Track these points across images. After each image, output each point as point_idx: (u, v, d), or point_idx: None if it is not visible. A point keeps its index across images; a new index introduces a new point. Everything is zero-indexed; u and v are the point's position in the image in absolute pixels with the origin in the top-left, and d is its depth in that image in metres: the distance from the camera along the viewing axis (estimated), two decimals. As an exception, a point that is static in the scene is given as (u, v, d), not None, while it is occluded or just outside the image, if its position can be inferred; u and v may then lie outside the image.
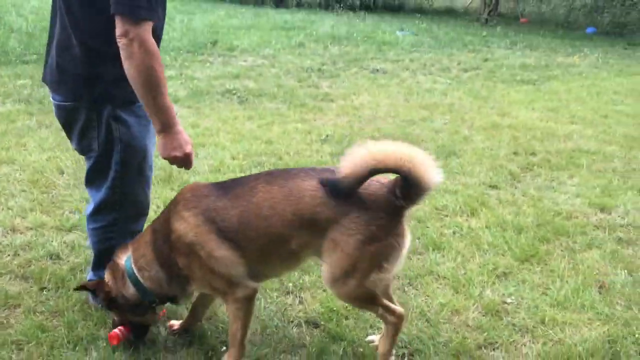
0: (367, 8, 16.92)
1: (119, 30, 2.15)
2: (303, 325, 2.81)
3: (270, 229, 2.25)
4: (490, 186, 4.60)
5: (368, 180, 2.20)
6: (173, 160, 2.41)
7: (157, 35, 2.49)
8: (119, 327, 2.55)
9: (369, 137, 5.68)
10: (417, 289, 3.14)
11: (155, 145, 2.58)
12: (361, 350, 2.62)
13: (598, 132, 6.30)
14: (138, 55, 2.15)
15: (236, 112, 6.33)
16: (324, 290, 3.08)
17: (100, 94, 2.42)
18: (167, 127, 2.31)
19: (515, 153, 5.46)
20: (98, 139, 2.51)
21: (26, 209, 3.70)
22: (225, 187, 2.36)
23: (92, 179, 2.63)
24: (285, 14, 14.80)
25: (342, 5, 16.27)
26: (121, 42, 2.16)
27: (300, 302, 2.99)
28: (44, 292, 2.93)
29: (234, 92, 7.16)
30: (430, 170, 2.16)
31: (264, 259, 2.37)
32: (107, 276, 2.50)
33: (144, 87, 2.22)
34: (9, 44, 8.47)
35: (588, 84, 8.93)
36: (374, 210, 2.22)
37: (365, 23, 14.29)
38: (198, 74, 7.90)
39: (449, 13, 17.64)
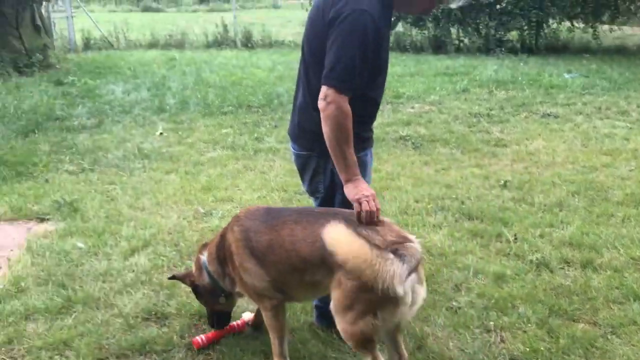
0: (529, 51, 16.60)
1: (322, 94, 2.66)
2: (508, 362, 2.99)
3: (289, 260, 2.68)
4: (691, 238, 4.40)
5: (372, 235, 2.50)
6: (362, 200, 2.67)
7: (377, 101, 2.95)
8: (200, 336, 3.14)
9: (549, 183, 5.70)
10: (621, 338, 3.16)
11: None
12: (571, 391, 2.73)
13: None
14: (334, 116, 2.62)
15: (412, 157, 6.70)
16: (525, 331, 3.24)
17: (327, 148, 2.86)
18: (352, 177, 2.71)
19: None
20: (324, 183, 3.03)
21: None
22: (269, 215, 2.82)
23: None
24: (446, 59, 15.08)
25: (502, 49, 16.15)
26: (321, 104, 2.67)
27: (502, 341, 3.18)
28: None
29: (408, 138, 7.56)
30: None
31: (285, 282, 2.77)
32: (193, 268, 3.16)
33: (337, 143, 2.66)
34: (209, 97, 9.77)
35: None
36: None
37: (529, 66, 14.05)
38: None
39: (621, 52, 16.60)
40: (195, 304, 3.48)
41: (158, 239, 4.41)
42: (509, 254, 4.19)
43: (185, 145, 7.11)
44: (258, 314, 3.23)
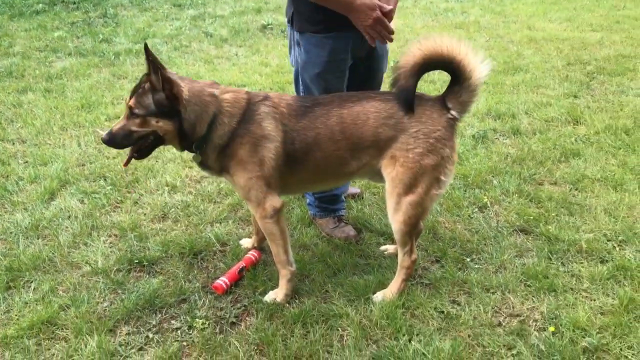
0: None
1: None
2: (517, 233, 3.14)
3: (337, 152, 2.40)
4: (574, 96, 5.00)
5: (421, 98, 2.40)
6: (369, 30, 2.45)
7: None
8: (222, 279, 2.64)
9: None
10: (584, 192, 3.50)
11: (314, 81, 2.73)
12: (585, 246, 2.96)
13: (622, 37, 6.77)
14: None
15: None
16: (509, 202, 3.42)
17: (292, 17, 2.73)
18: (347, 7, 2.42)
19: (569, 64, 5.85)
20: (293, 56, 2.84)
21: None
22: (308, 105, 2.43)
23: (295, 85, 2.93)
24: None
25: None
26: None
27: (497, 215, 3.32)
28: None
29: (270, 26, 7.10)
30: (478, 59, 2.32)
31: (317, 177, 2.52)
32: (186, 89, 2.26)
33: None
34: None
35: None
36: (431, 123, 2.37)
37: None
38: (219, 11, 7.73)
39: None
40: (183, 237, 2.97)
41: (74, 174, 3.56)
42: (447, 132, 4.31)
43: (17, 57, 5.71)
44: (258, 231, 2.88)
